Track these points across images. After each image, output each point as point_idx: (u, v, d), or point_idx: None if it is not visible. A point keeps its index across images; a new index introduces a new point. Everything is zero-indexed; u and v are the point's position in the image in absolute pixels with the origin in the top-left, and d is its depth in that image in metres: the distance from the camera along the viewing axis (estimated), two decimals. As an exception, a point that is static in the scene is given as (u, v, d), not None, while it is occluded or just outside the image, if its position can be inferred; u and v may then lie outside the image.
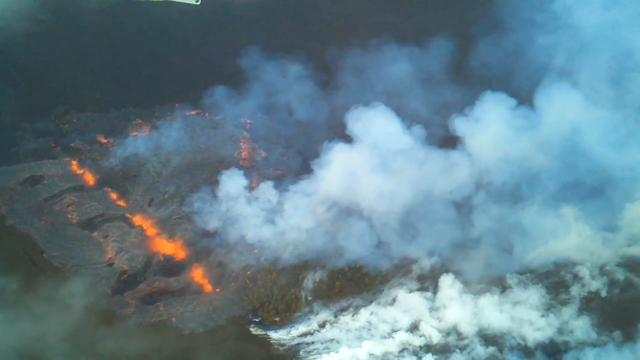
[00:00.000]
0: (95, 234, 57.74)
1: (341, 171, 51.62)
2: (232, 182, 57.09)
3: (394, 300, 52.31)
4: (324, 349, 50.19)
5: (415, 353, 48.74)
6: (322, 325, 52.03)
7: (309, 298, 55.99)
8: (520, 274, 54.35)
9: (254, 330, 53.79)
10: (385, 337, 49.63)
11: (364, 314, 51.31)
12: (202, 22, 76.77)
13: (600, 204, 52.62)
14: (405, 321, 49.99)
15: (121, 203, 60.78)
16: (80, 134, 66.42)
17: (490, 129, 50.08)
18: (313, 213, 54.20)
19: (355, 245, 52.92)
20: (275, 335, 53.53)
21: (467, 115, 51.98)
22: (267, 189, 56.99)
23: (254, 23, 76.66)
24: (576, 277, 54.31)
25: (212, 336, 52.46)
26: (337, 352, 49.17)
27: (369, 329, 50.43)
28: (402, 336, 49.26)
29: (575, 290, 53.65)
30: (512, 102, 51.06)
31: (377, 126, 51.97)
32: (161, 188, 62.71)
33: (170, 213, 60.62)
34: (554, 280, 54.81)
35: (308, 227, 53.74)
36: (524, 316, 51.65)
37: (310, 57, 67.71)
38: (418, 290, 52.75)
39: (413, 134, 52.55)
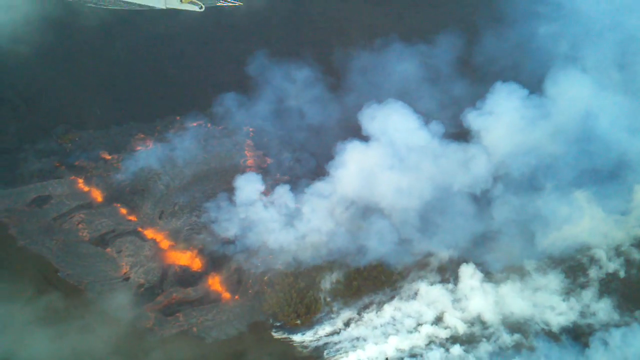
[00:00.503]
0: (108, 249, 57.88)
1: (358, 170, 52.29)
2: (249, 187, 57.34)
3: (415, 294, 52.82)
4: (350, 347, 50.42)
5: (442, 345, 49.17)
6: (347, 324, 52.21)
7: (328, 299, 56.40)
8: (538, 260, 55.02)
9: (276, 335, 53.99)
10: (411, 332, 50.02)
11: (388, 309, 51.84)
12: (200, 32, 77.92)
13: (612, 187, 53.64)
14: (429, 314, 50.60)
15: (132, 218, 61.01)
16: (84, 151, 66.80)
17: (504, 120, 50.98)
18: (332, 214, 54.66)
19: (377, 244, 53.32)
20: (298, 337, 53.76)
21: (479, 109, 52.60)
22: (283, 193, 57.29)
23: (256, 30, 77.93)
24: (593, 260, 55.22)
25: (235, 343, 52.24)
26: (363, 349, 49.35)
27: (394, 325, 50.83)
28: (428, 329, 49.82)
29: (593, 272, 54.56)
30: (524, 91, 51.92)
31: (394, 123, 52.49)
32: (170, 200, 63.09)
33: (182, 224, 60.95)
34: (571, 265, 55.67)
35: (328, 229, 53.90)
36: (546, 302, 52.46)
37: (316, 60, 68.63)
38: (439, 282, 53.11)
39: (430, 129, 52.94)
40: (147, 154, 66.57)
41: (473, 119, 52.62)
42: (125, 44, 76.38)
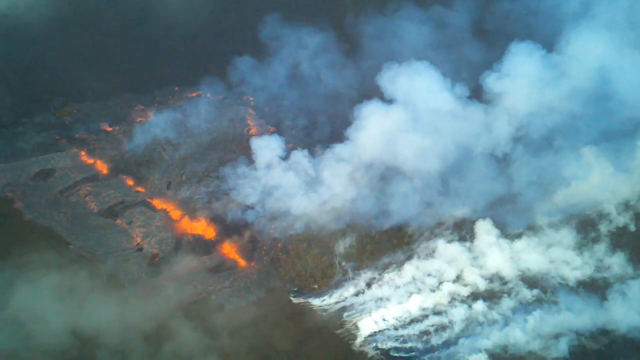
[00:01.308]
0: (118, 221, 57.98)
1: (378, 132, 52.43)
2: (268, 149, 57.32)
3: (433, 252, 54.00)
4: (375, 307, 51.62)
5: (464, 302, 50.63)
6: (369, 285, 53.32)
7: (343, 263, 57.40)
8: (550, 216, 56.60)
9: (295, 300, 54.89)
10: (433, 290, 51.33)
11: (408, 269, 52.99)
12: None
13: (620, 144, 55.14)
14: (450, 272, 51.89)
15: (139, 189, 61.10)
16: (83, 124, 66.52)
17: (523, 81, 51.50)
18: (353, 178, 55.06)
19: (400, 207, 54.14)
20: (317, 301, 54.79)
21: (498, 71, 53.28)
22: (300, 158, 57.37)
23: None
24: (602, 215, 56.89)
25: (254, 309, 52.93)
26: (386, 307, 50.58)
27: (416, 284, 52.05)
28: (449, 287, 51.11)
29: (603, 227, 56.27)
30: (540, 51, 52.66)
31: (417, 84, 52.61)
32: (176, 170, 63.25)
33: (191, 193, 61.26)
34: (581, 220, 57.25)
35: (350, 193, 54.43)
36: (560, 256, 54.01)
37: (329, 25, 68.19)
38: (456, 240, 54.42)
39: (454, 91, 53.50)
40: (148, 125, 66.41)
41: (492, 82, 53.08)
42: (118, 17, 75.33)
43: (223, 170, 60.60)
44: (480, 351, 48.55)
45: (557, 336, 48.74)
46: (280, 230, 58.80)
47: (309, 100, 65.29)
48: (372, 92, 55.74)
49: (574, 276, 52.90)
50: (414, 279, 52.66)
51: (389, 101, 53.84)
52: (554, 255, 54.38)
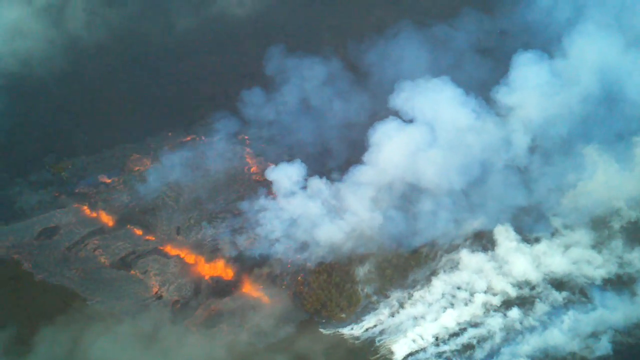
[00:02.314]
0: (132, 272, 57.72)
1: (398, 151, 53.62)
2: (288, 177, 57.73)
3: (457, 264, 55.11)
4: (409, 327, 52.12)
5: (498, 311, 51.67)
6: (401, 305, 53.90)
7: (366, 290, 57.95)
8: (563, 217, 58.59)
9: (325, 331, 55.04)
10: (466, 303, 52.26)
11: (437, 284, 53.88)
12: (179, 45, 79.15)
13: (622, 141, 58.00)
14: (480, 283, 53.03)
15: (149, 237, 61.01)
16: (81, 178, 66.45)
17: (534, 90, 53.92)
18: (376, 201, 55.97)
19: (429, 225, 55.31)
20: (347, 330, 55.01)
21: (507, 84, 55.30)
22: (320, 185, 58.08)
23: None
24: (613, 212, 59.09)
25: (287, 344, 52.84)
26: (421, 326, 51.19)
27: (447, 298, 52.92)
28: (482, 298, 52.17)
29: (616, 223, 58.53)
30: (544, 56, 55.28)
31: (435, 100, 54.17)
32: (183, 215, 63.44)
33: (202, 236, 61.24)
34: (593, 219, 59.26)
35: (377, 218, 55.37)
36: (581, 257, 55.87)
37: (330, 55, 70.23)
38: (479, 250, 55.75)
39: (473, 106, 55.13)
40: (148, 173, 66.66)
41: (503, 96, 55.01)
42: (103, 69, 76.43)
43: (241, 205, 60.86)
44: (520, 357, 49.34)
45: (595, 335, 49.97)
46: (298, 264, 59.21)
47: (318, 130, 66.38)
48: (384, 113, 57.30)
49: (599, 275, 54.84)
50: (444, 294, 53.56)
51: (405, 120, 55.39)
52: (574, 255, 56.26)
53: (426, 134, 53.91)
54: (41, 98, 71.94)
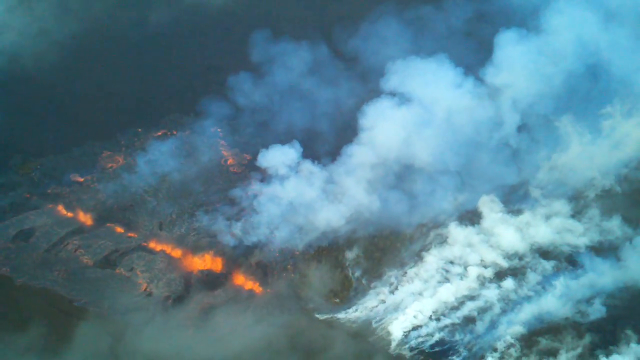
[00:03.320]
0: (118, 270, 56.34)
1: (392, 129, 53.99)
2: (282, 160, 57.09)
3: (446, 238, 56.23)
4: (405, 306, 52.77)
5: (492, 282, 52.96)
6: (397, 285, 54.54)
7: (356, 274, 58.40)
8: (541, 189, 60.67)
9: (321, 317, 55.14)
10: (460, 277, 53.35)
11: (430, 260, 54.64)
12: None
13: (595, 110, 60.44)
14: (473, 256, 54.02)
15: (131, 234, 59.98)
16: (52, 178, 64.79)
17: (520, 67, 55.04)
18: (373, 182, 56.22)
19: (425, 204, 56.32)
20: (343, 314, 55.27)
21: (494, 65, 55.83)
22: (312, 168, 57.92)
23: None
24: (588, 181, 61.35)
25: (284, 332, 52.57)
26: (419, 302, 51.97)
27: (442, 274, 53.87)
28: (476, 270, 53.27)
29: (591, 192, 60.76)
30: (527, 34, 56.43)
31: (429, 77, 54.71)
32: (164, 211, 62.60)
33: (186, 230, 60.46)
34: (569, 188, 61.34)
35: (376, 202, 55.81)
36: (562, 225, 57.55)
37: (315, 39, 70.13)
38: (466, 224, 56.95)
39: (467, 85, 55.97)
40: (121, 170, 65.27)
41: (491, 76, 55.83)
42: (65, 66, 74.24)
43: (234, 192, 60.18)
44: (516, 324, 50.79)
45: (589, 300, 51.92)
46: (286, 253, 59.07)
47: (303, 116, 66.21)
48: (371, 96, 57.66)
49: (583, 243, 56.73)
50: (437, 269, 54.42)
51: (398, 99, 55.93)
52: (556, 225, 57.96)
53: (420, 112, 54.61)
54: (1, 97, 69.09)
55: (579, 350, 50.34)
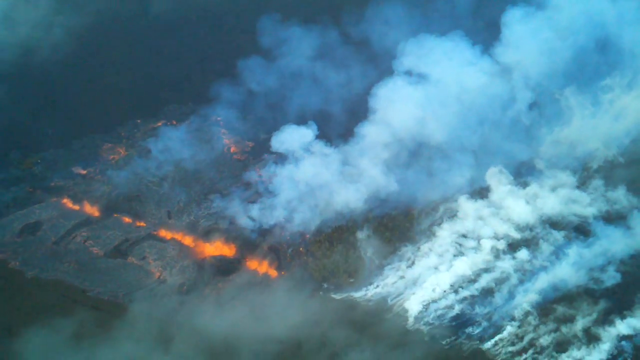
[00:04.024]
0: (129, 259, 55.30)
1: (405, 107, 53.87)
2: (297, 139, 56.51)
3: (456, 212, 56.65)
4: (421, 281, 52.91)
5: (507, 254, 53.32)
6: (413, 263, 54.61)
7: (369, 253, 58.31)
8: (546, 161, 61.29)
9: (337, 296, 54.92)
10: (475, 250, 53.61)
11: (442, 234, 54.85)
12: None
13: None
14: (486, 229, 54.32)
15: (140, 224, 59.09)
16: (54, 172, 63.64)
17: (528, 44, 55.55)
18: (388, 161, 56.16)
19: (441, 182, 56.61)
20: (359, 294, 55.15)
21: (503, 43, 56.42)
22: (325, 149, 57.53)
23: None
24: (591, 152, 62.12)
25: (301, 313, 52.24)
26: (436, 277, 52.11)
27: (456, 247, 54.09)
28: (489, 243, 53.58)
29: (594, 163, 61.49)
30: (534, 10, 56.91)
31: (444, 56, 54.68)
32: (171, 199, 61.83)
33: (195, 217, 59.53)
34: (573, 160, 62.03)
35: (393, 183, 55.82)
36: (569, 196, 58.15)
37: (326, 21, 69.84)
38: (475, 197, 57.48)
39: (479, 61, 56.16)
40: (125, 161, 64.44)
41: (501, 54, 56.26)
42: (59, 61, 73.02)
43: (246, 176, 59.67)
44: (532, 293, 51.26)
45: (602, 267, 52.57)
46: (297, 236, 58.78)
47: (313, 100, 65.85)
48: (386, 74, 57.33)
49: (591, 213, 57.49)
50: (451, 242, 54.55)
51: (411, 77, 55.77)
52: (562, 196, 58.52)
53: (433, 90, 54.56)
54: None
55: (594, 315, 51.40)
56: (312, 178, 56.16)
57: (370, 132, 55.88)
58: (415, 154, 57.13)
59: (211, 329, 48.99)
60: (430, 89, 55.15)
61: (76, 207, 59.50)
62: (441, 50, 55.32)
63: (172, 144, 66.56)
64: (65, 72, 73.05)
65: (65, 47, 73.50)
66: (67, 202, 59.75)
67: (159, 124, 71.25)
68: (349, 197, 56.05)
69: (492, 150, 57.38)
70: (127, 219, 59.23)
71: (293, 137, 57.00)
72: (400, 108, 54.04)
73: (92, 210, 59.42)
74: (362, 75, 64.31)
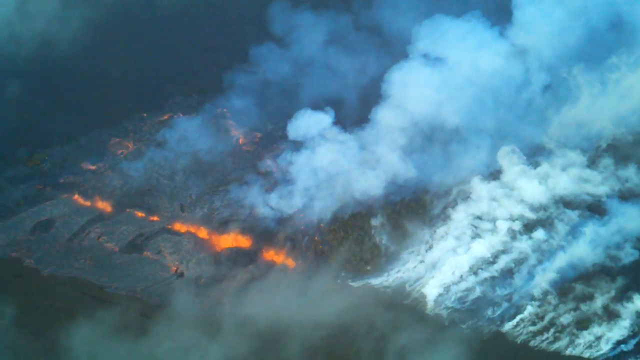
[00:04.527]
0: (145, 253, 54.82)
1: (422, 90, 53.27)
2: (314, 125, 55.83)
3: (469, 194, 56.28)
4: (439, 266, 52.74)
5: (522, 234, 53.16)
6: (431, 246, 54.35)
7: (384, 241, 57.99)
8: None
9: (355, 284, 54.64)
10: (491, 232, 53.41)
11: (457, 217, 54.55)
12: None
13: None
14: (500, 211, 54.07)
15: (153, 218, 58.42)
16: (63, 168, 62.58)
17: (539, 26, 55.02)
18: (404, 146, 55.72)
19: (458, 165, 56.33)
20: (376, 281, 54.96)
21: (515, 24, 55.89)
22: (340, 135, 56.94)
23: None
24: (600, 131, 61.83)
25: (320, 302, 51.91)
26: (455, 259, 51.95)
27: (472, 230, 53.86)
28: (505, 224, 53.37)
29: (603, 142, 61.17)
30: None
31: (462, 37, 54.15)
32: (182, 193, 60.97)
33: (208, 210, 58.86)
34: (581, 139, 61.68)
35: (411, 169, 55.48)
36: (580, 175, 57.86)
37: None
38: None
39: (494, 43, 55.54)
40: (134, 155, 63.60)
41: (514, 36, 55.74)
42: (63, 56, 71.94)
43: (262, 165, 59.08)
44: (550, 272, 51.30)
45: (619, 245, 52.54)
46: (312, 226, 58.31)
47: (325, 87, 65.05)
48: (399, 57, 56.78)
49: (603, 191, 57.37)
50: (467, 224, 54.27)
51: (425, 59, 55.23)
52: (573, 175, 58.17)
53: (448, 73, 53.98)
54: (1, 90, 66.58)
55: (613, 293, 51.47)
56: (330, 165, 55.42)
57: (386, 117, 55.08)
58: (430, 138, 56.60)
59: (254, 317, 49.31)
60: (445, 71, 54.45)
61: (88, 203, 58.62)
62: (457, 32, 54.59)
63: (182, 137, 65.77)
64: (69, 67, 71.68)
65: (67, 43, 72.20)
66: (79, 199, 58.88)
67: (166, 117, 70.24)
68: (368, 183, 55.44)
69: (505, 133, 56.90)
70: (140, 214, 58.41)
71: (310, 123, 56.15)
72: (416, 91, 53.26)
73: (104, 205, 58.57)
74: (375, 61, 63.56)
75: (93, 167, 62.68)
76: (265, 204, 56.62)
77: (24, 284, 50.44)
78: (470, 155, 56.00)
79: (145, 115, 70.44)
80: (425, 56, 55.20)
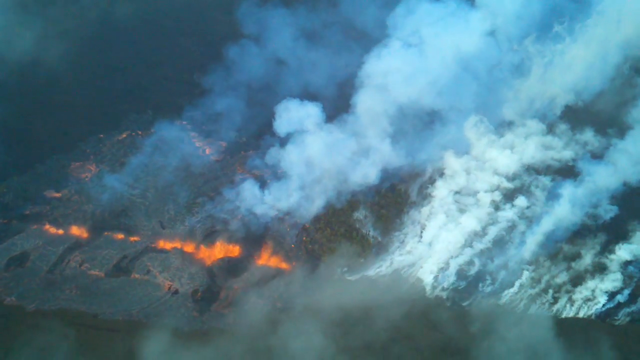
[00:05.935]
0: (134, 275, 51.49)
1: (403, 72, 52.87)
2: (304, 117, 54.09)
3: (443, 172, 56.85)
4: (434, 245, 52.80)
5: (505, 203, 54.08)
6: (423, 226, 54.31)
7: (371, 233, 57.49)
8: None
9: (351, 278, 53.81)
10: (475, 205, 54.01)
11: (439, 194, 54.81)
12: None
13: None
14: (481, 183, 54.67)
15: (134, 238, 54.87)
16: (25, 199, 57.72)
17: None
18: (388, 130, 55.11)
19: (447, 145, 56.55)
20: (372, 272, 54.35)
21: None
22: (328, 127, 55.64)
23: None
24: (552, 99, 63.94)
25: (321, 300, 50.60)
26: (447, 233, 52.17)
27: (456, 206, 54.29)
28: (487, 196, 54.02)
29: (557, 110, 62.87)
30: None
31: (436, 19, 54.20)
32: (159, 210, 57.87)
33: (192, 223, 56.30)
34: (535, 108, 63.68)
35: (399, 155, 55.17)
36: (543, 143, 59.25)
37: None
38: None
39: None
40: (99, 177, 59.96)
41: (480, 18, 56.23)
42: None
43: (252, 161, 57.03)
44: (537, 235, 52.65)
45: (595, 205, 54.51)
46: (297, 226, 56.97)
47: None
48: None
49: (569, 155, 59.23)
50: (451, 202, 54.58)
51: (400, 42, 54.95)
52: (536, 142, 59.44)
53: (424, 53, 54.03)
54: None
55: (598, 248, 53.42)
56: (320, 157, 54.44)
57: (366, 102, 54.54)
58: (411, 121, 56.66)
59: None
60: (421, 52, 54.65)
61: (61, 232, 54.51)
62: (431, 14, 55.00)
63: (145, 155, 62.78)
64: (17, 94, 66.92)
65: (7, 72, 67.25)
66: (50, 228, 54.64)
67: (124, 135, 66.75)
68: (365, 171, 54.82)
69: (481, 109, 57.73)
70: (119, 236, 54.98)
71: (299, 114, 54.56)
72: (395, 76, 53.22)
73: (79, 232, 54.68)
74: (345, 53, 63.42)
75: (58, 195, 58.41)
76: (262, 203, 54.92)
77: (10, 323, 45.96)
78: (446, 134, 56.66)
79: (102, 136, 66.62)
80: (401, 39, 55.28)
